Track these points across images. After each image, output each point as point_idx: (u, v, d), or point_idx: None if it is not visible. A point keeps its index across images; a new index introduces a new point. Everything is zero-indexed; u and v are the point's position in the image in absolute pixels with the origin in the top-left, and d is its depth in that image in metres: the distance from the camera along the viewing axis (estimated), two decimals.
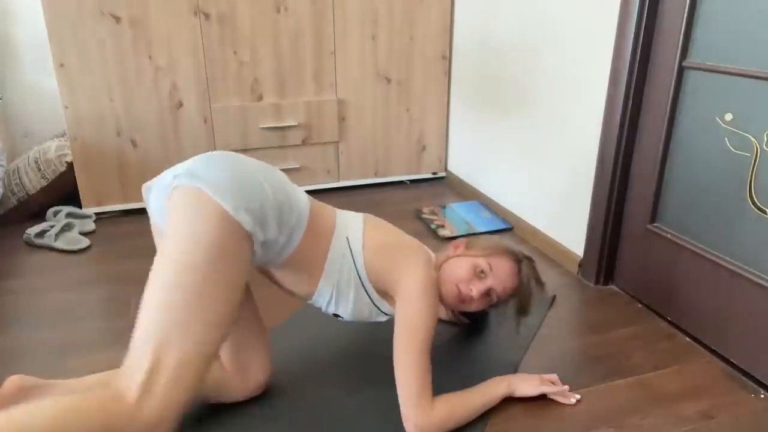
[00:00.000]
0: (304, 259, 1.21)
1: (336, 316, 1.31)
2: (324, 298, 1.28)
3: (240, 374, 1.28)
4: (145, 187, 1.19)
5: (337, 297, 1.27)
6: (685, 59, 1.54)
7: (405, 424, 1.19)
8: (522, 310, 1.36)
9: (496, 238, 1.41)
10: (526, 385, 1.34)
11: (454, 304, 1.33)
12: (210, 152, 1.16)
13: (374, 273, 1.25)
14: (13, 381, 1.16)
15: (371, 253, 1.25)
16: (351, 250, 1.24)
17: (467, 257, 1.32)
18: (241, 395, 1.30)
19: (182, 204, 1.07)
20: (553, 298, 1.80)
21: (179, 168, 1.12)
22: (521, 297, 1.34)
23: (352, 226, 1.28)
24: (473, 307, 1.32)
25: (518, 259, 1.35)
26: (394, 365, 1.20)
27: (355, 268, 1.25)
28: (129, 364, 0.99)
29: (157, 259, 1.06)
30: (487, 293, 1.30)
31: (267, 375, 1.32)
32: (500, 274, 1.30)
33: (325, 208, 1.29)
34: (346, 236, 1.25)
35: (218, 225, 1.03)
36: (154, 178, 1.18)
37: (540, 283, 1.37)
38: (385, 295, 1.29)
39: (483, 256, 1.32)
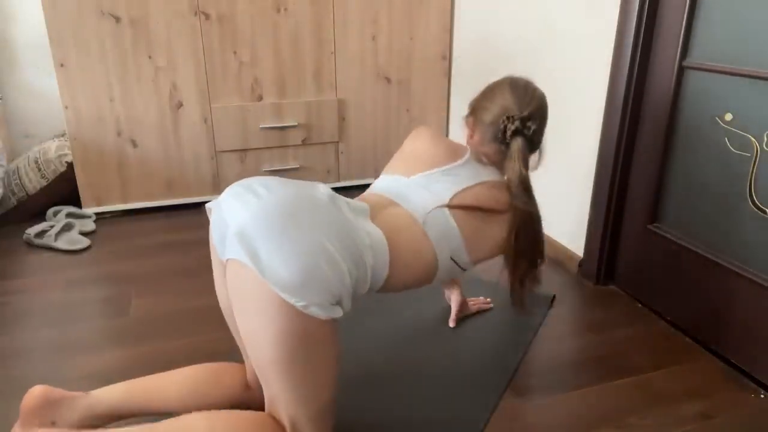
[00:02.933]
0: (407, 260, 1.16)
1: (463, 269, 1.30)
2: (446, 270, 1.24)
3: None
4: (207, 208, 1.12)
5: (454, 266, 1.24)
6: (685, 59, 1.54)
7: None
8: None
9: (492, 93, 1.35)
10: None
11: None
12: (260, 189, 1.04)
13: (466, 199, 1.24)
14: (36, 392, 1.11)
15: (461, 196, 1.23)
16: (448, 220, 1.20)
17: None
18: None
19: (247, 295, 1.00)
20: (553, 297, 1.80)
21: (237, 214, 1.01)
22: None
23: (425, 197, 1.22)
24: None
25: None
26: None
27: (456, 228, 1.21)
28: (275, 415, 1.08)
29: (248, 344, 1.05)
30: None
31: None
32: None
33: (387, 212, 1.20)
34: (427, 215, 1.20)
35: (291, 323, 0.98)
36: (217, 202, 1.08)
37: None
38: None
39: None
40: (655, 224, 1.71)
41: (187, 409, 1.18)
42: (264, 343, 1.00)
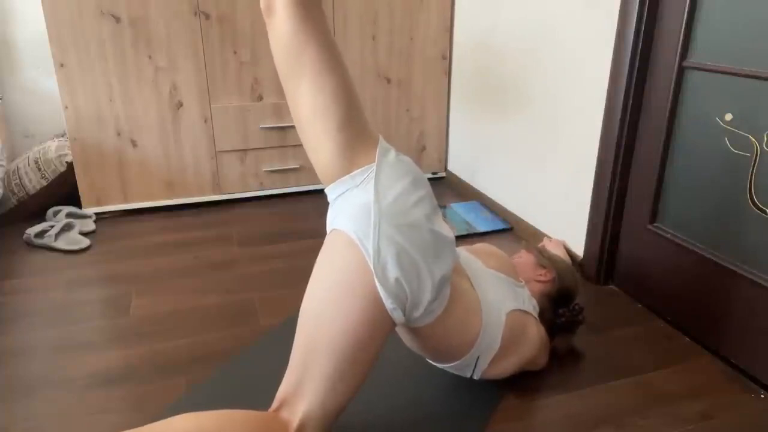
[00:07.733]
0: (449, 328, 1.18)
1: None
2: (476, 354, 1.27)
3: None
4: (383, 147, 1.10)
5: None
6: (685, 59, 1.54)
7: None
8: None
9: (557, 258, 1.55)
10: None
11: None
12: (424, 188, 1.08)
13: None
14: None
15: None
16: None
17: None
18: None
19: (343, 274, 1.03)
20: None
21: (391, 197, 1.04)
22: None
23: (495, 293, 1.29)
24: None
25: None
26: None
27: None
28: (292, 409, 1.06)
29: (307, 315, 1.05)
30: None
31: None
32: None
33: (460, 275, 1.25)
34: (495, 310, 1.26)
35: (374, 318, 1.03)
36: (387, 163, 1.07)
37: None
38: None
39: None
40: (655, 224, 1.71)
41: None
42: (337, 325, 1.02)
